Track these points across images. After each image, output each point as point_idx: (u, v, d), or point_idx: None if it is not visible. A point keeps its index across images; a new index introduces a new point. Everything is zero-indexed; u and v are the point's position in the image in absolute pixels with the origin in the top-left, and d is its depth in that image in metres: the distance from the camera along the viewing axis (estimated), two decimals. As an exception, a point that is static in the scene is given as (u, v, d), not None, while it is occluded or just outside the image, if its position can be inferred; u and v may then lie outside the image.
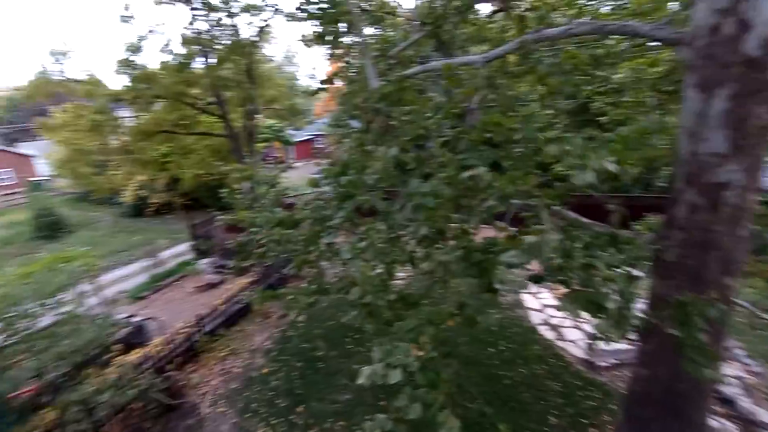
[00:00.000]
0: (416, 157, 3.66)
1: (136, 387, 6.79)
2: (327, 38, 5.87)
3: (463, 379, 7.23)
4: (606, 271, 2.69)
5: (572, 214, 4.27)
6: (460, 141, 3.29)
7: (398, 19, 9.76)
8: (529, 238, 2.79)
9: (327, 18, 5.35)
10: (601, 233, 3.07)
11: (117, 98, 14.53)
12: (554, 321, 9.34)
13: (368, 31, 8.52)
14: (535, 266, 3.29)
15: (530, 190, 3.40)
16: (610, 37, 6.09)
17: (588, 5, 7.85)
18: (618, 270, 2.87)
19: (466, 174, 2.98)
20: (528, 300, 10.31)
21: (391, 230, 4.34)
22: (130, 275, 16.50)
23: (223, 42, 14.15)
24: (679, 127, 3.55)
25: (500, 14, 6.70)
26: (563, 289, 3.05)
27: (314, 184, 4.43)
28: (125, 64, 13.11)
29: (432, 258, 3.18)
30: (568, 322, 9.25)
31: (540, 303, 10.16)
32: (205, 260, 15.96)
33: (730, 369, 7.42)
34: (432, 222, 3.19)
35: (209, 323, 9.75)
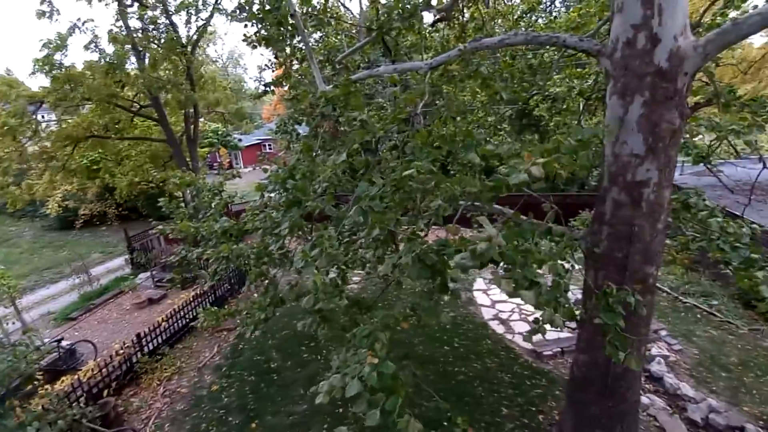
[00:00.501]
0: (364, 161, 3.67)
1: (65, 418, 6.14)
2: (270, 41, 5.73)
3: (420, 378, 7.34)
4: (539, 256, 2.86)
5: (511, 212, 4.50)
6: (406, 145, 3.35)
7: (344, 24, 9.78)
8: (480, 243, 2.90)
9: (269, 20, 5.22)
10: (538, 224, 3.27)
11: (37, 100, 13.15)
12: (504, 316, 9.79)
13: (314, 35, 8.46)
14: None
15: (475, 191, 3.54)
16: (546, 48, 6.54)
17: (524, 18, 8.38)
18: (552, 262, 3.07)
19: (406, 172, 3.03)
20: (479, 297, 10.72)
21: (342, 235, 4.32)
22: (57, 295, 14.95)
23: (159, 41, 13.33)
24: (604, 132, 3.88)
25: (442, 23, 6.94)
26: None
27: (261, 189, 4.29)
28: (45, 63, 11.91)
29: (385, 261, 3.19)
30: (516, 316, 9.74)
31: (490, 299, 10.61)
32: (143, 274, 14.87)
33: (656, 349, 8.19)
34: (381, 226, 3.21)
35: (151, 342, 9.08)
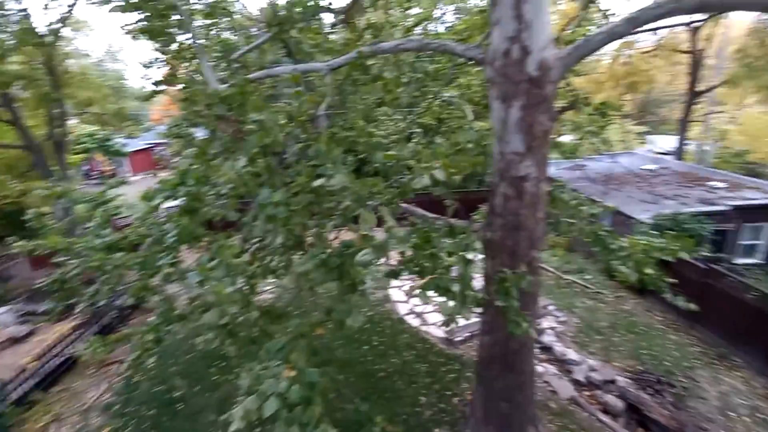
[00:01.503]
0: (267, 166, 3.51)
1: None
2: (153, 33, 5.16)
3: (341, 382, 7.31)
4: (447, 259, 3.07)
5: (419, 211, 4.73)
6: (310, 147, 3.29)
7: (245, 21, 9.25)
8: (378, 237, 2.98)
9: (149, 9, 4.70)
10: (440, 226, 3.50)
11: None
12: (418, 309, 10.23)
13: (209, 31, 7.85)
14: (395, 263, 3.52)
15: (381, 192, 3.63)
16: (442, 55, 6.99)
17: (420, 26, 8.86)
18: (457, 256, 3.31)
19: (318, 181, 2.99)
20: (395, 294, 11.04)
21: (246, 243, 4.07)
22: None
23: (8, 30, 11.10)
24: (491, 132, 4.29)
25: (343, 26, 6.99)
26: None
27: (148, 198, 3.83)
28: None
29: (291, 268, 3.09)
30: (429, 308, 10.25)
31: (406, 294, 11.00)
32: (2, 309, 12.26)
33: (546, 322, 9.33)
34: (287, 231, 3.11)
35: (16, 389, 7.52)
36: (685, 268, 8.51)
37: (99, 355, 4.72)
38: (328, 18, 7.36)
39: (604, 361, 8.14)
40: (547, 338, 8.78)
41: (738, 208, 11.20)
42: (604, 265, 11.31)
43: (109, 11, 4.86)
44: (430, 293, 3.20)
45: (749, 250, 11.79)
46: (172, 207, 4.00)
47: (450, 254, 3.27)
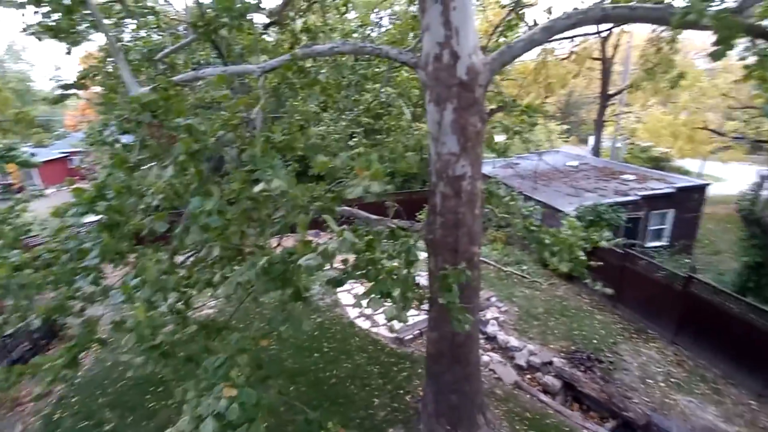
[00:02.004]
0: (198, 173, 3.32)
1: None
2: (60, 32, 4.65)
3: (292, 392, 7.10)
4: (388, 264, 3.12)
5: (362, 213, 4.75)
6: (244, 152, 3.17)
7: (170, 19, 8.65)
8: (323, 242, 2.95)
9: (53, 5, 4.23)
10: (381, 231, 3.54)
11: None
12: (368, 311, 10.26)
13: (122, 29, 7.25)
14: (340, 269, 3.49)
15: (321, 197, 3.59)
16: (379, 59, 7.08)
17: (357, 29, 8.91)
18: (399, 259, 3.37)
19: (257, 188, 2.88)
20: (344, 297, 10.96)
21: (179, 256, 3.82)
22: None
23: None
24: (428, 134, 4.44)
25: (276, 27, 6.82)
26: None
27: (60, 214, 3.45)
28: None
29: (230, 280, 2.95)
30: (379, 309, 10.31)
31: (354, 299, 10.96)
32: None
33: (489, 313, 9.82)
34: (224, 241, 2.96)
35: None
36: (606, 254, 9.40)
37: (5, 391, 4.14)
38: (261, 19, 7.15)
39: (542, 345, 8.74)
40: (491, 328, 9.23)
41: (646, 198, 12.62)
42: (538, 255, 12.16)
43: (2, 5, 4.30)
44: (374, 297, 3.23)
45: (656, 234, 13.33)
46: (93, 222, 3.64)
47: (392, 257, 3.33)
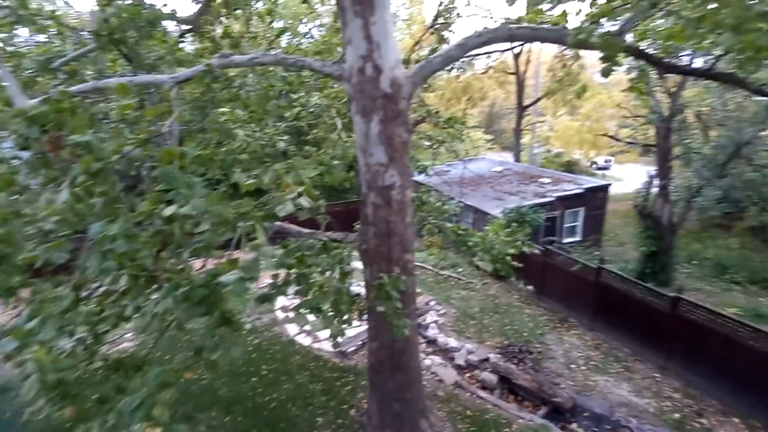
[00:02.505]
0: (101, 193, 2.99)
1: None
2: None
3: (227, 423, 6.63)
4: (320, 279, 3.07)
5: (293, 227, 4.63)
6: (153, 169, 2.92)
7: (69, 26, 7.77)
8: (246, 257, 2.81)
9: None
10: (314, 243, 3.48)
11: None
12: (308, 327, 9.95)
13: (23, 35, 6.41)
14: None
15: (248, 213, 3.43)
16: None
17: (283, 37, 8.75)
18: (332, 271, 3.32)
19: (168, 210, 2.66)
20: (282, 314, 10.54)
21: (83, 289, 3.40)
22: None
23: None
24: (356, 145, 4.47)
25: (193, 36, 6.47)
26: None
27: None
28: None
29: (143, 311, 2.67)
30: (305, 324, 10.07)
31: (283, 311, 10.58)
32: None
33: (429, 317, 10.07)
34: (133, 269, 2.68)
35: None
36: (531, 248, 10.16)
37: None
38: (175, 27, 6.72)
39: (479, 343, 9.15)
40: (432, 331, 9.47)
41: (560, 198, 13.93)
42: (471, 258, 12.80)
43: None
44: (301, 312, 3.15)
45: (571, 231, 14.75)
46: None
47: (323, 271, 3.27)
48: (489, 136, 36.80)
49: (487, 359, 8.38)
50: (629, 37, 3.83)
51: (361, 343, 8.98)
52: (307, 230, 4.56)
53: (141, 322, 2.55)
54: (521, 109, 24.45)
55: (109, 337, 3.65)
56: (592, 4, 4.02)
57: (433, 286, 12.03)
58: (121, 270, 2.58)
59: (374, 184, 4.35)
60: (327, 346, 9.02)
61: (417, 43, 6.54)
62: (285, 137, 7.57)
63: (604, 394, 7.55)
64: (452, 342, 9.07)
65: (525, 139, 27.74)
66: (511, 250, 5.91)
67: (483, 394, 7.51)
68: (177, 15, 5.44)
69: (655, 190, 11.97)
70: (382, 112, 4.07)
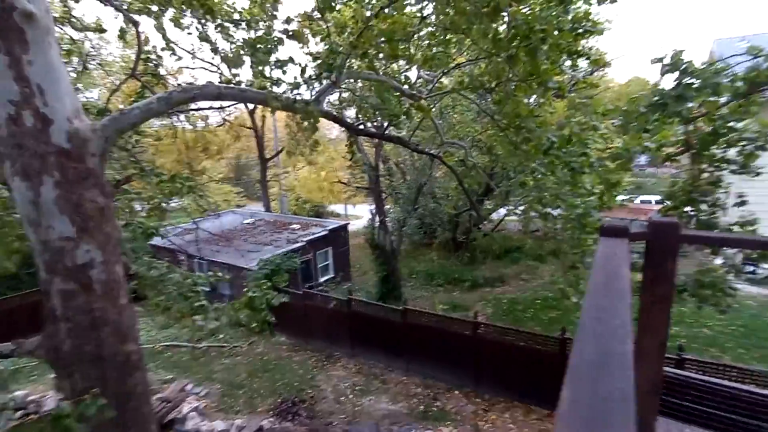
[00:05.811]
0: None
1: None
2: None
3: None
4: None
5: None
6: None
7: None
8: None
9: None
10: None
11: None
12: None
13: None
14: None
15: None
16: None
17: None
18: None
19: None
20: None
21: None
22: None
23: None
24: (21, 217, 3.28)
25: None
26: None
27: None
28: None
29: None
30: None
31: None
32: None
33: (186, 406, 8.43)
34: None
35: None
36: (290, 296, 10.30)
37: None
38: None
39: (251, 413, 8.34)
40: (192, 422, 7.94)
41: (310, 242, 14.99)
42: (232, 318, 11.79)
43: None
44: None
45: (324, 270, 16.05)
46: None
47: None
48: (238, 189, 36.21)
49: (260, 429, 7.71)
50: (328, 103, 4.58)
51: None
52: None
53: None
54: (264, 161, 25.37)
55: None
56: (301, 74, 4.59)
57: (191, 365, 10.31)
58: None
59: (60, 265, 3.28)
60: None
61: (115, 91, 5.61)
62: None
63: (370, 413, 8.27)
64: (219, 425, 7.89)
65: (274, 189, 28.80)
66: (265, 305, 5.78)
67: (260, 469, 6.79)
68: None
69: (377, 224, 14.67)
70: (58, 173, 3.18)
